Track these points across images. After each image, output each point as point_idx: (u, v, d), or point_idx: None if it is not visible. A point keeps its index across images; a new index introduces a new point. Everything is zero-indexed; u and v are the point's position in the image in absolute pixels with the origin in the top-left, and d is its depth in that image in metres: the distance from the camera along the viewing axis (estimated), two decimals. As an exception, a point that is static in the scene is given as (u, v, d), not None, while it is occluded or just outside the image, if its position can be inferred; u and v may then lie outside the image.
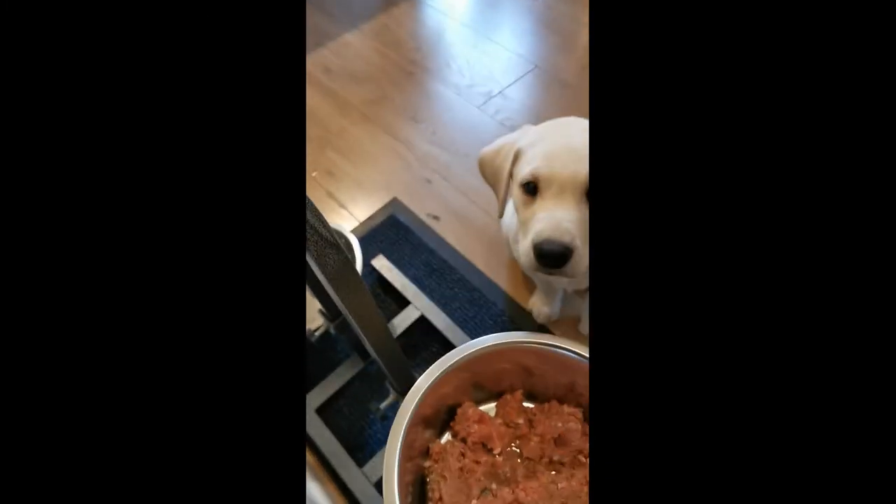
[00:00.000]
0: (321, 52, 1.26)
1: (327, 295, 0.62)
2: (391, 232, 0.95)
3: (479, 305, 0.86)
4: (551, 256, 0.44)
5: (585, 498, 0.42)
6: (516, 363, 0.47)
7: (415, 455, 0.47)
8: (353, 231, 0.93)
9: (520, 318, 0.83)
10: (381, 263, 0.88)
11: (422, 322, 0.83)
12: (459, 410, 0.49)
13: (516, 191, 0.51)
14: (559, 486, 0.43)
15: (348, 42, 1.28)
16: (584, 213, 0.46)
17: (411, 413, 0.45)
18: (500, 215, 0.57)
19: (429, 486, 0.49)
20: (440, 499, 0.45)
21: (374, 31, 1.29)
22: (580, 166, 0.45)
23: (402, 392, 0.60)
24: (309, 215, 0.36)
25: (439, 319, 0.81)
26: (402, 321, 0.82)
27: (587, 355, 0.43)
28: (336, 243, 0.38)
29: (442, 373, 0.46)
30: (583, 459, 0.45)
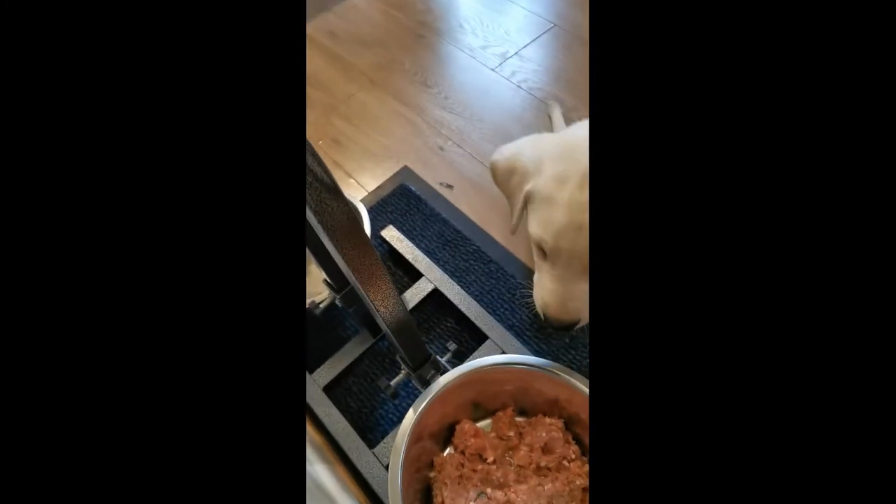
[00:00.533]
0: (325, 15, 1.19)
1: (332, 261, 0.56)
2: (402, 202, 0.89)
3: (497, 278, 0.80)
4: (558, 327, 0.50)
5: (568, 496, 0.50)
6: (510, 382, 0.55)
7: (422, 467, 0.54)
8: (362, 201, 0.87)
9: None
10: (392, 234, 0.82)
11: (435, 295, 0.77)
12: (458, 427, 0.55)
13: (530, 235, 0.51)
14: (545, 487, 0.50)
15: (354, 4, 1.20)
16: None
17: (414, 423, 0.51)
18: (513, 231, 0.52)
19: (433, 493, 0.55)
20: (442, 502, 0.51)
21: (382, -7, 1.22)
22: (585, 234, 0.45)
23: (414, 368, 0.55)
24: (307, 158, 0.30)
25: (454, 292, 0.75)
26: (413, 295, 0.76)
27: (569, 376, 0.51)
28: (337, 189, 0.32)
29: (444, 387, 0.52)
30: (566, 464, 0.53)
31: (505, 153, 0.52)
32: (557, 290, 0.49)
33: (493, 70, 1.05)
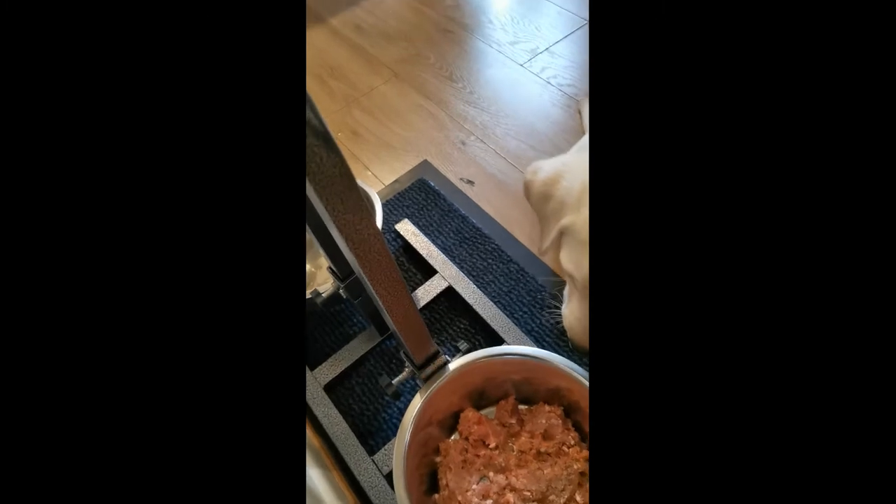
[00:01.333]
0: (353, 9, 1.17)
1: (335, 246, 0.51)
2: (419, 196, 0.84)
3: (517, 279, 0.74)
4: (582, 353, 0.49)
5: (566, 480, 0.52)
6: (513, 373, 0.56)
7: (429, 452, 0.55)
8: (378, 194, 0.83)
9: (556, 292, 0.71)
10: (406, 228, 0.78)
11: (449, 294, 0.72)
12: (462, 415, 0.57)
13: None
14: (545, 471, 0.52)
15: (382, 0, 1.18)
16: None
17: (417, 411, 0.51)
18: (543, 254, 0.46)
19: (439, 476, 0.55)
20: (447, 485, 0.53)
21: (411, -11, 1.19)
22: None
23: (419, 366, 0.50)
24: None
25: (469, 291, 0.70)
26: (426, 292, 0.71)
27: (569, 367, 0.52)
28: (328, 136, 0.28)
29: (449, 375, 0.53)
30: (566, 450, 0.54)
31: (542, 174, 0.46)
32: (584, 320, 0.48)
33: (521, 66, 1.01)
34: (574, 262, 0.46)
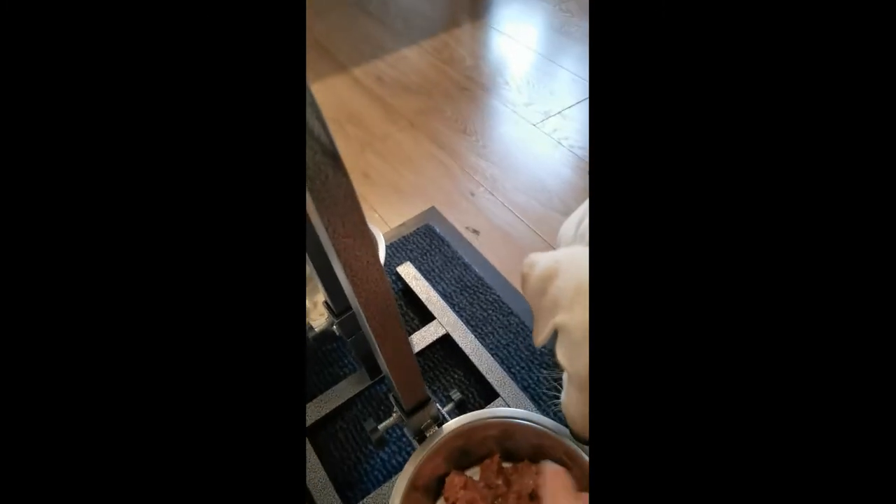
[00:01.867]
0: (376, 63, 1.22)
1: (334, 279, 0.50)
2: (424, 241, 0.84)
3: (516, 332, 0.72)
4: (581, 441, 0.49)
5: None
6: (495, 428, 0.55)
7: None
8: (383, 235, 0.83)
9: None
10: (408, 271, 0.77)
11: (446, 342, 0.70)
12: (447, 479, 0.54)
13: None
14: None
15: (405, 56, 1.23)
16: None
17: (407, 483, 0.49)
18: (537, 345, 0.48)
19: None
20: None
21: (434, 48, 1.25)
22: None
23: (408, 413, 0.47)
24: (307, 112, 0.25)
25: (466, 341, 0.68)
26: (422, 338, 0.69)
27: (549, 427, 0.53)
28: (336, 155, 0.27)
29: (430, 449, 0.51)
30: None
31: (538, 267, 0.47)
32: (581, 411, 0.47)
33: (534, 125, 1.03)
34: (568, 358, 0.46)
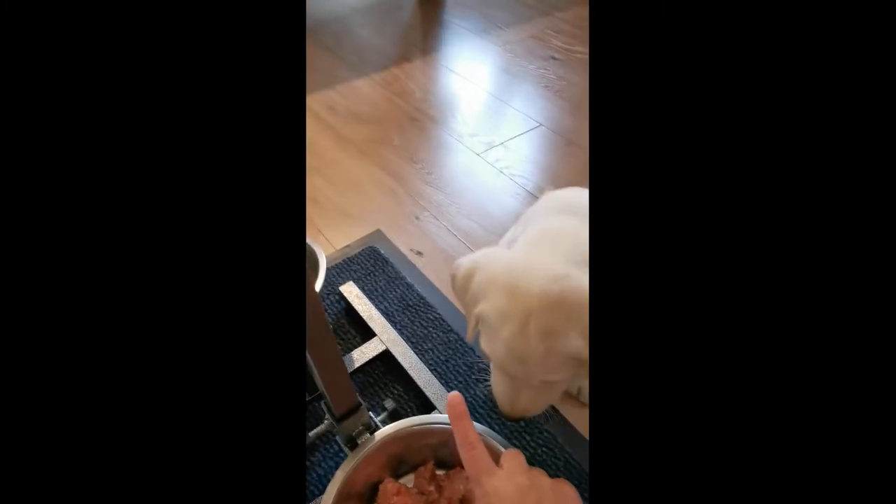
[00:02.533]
0: (328, 92, 1.25)
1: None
2: (368, 262, 0.86)
3: (455, 349, 0.74)
4: (508, 420, 0.55)
5: None
6: (431, 436, 0.56)
7: None
8: (327, 256, 0.84)
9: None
10: (350, 290, 0.78)
11: (385, 358, 0.71)
12: (381, 486, 0.54)
13: None
14: None
15: (357, 87, 1.28)
16: (538, 387, 0.51)
17: (336, 493, 0.49)
18: (470, 340, 0.56)
19: None
20: None
21: (386, 81, 1.30)
22: (527, 367, 0.48)
23: (338, 419, 0.48)
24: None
25: (406, 357, 0.69)
26: (362, 354, 0.70)
27: (486, 435, 0.53)
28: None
29: (362, 455, 0.52)
30: None
31: (461, 269, 0.53)
32: (506, 392, 0.52)
33: (478, 155, 1.08)
34: (488, 342, 0.50)
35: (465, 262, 0.53)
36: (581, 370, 0.48)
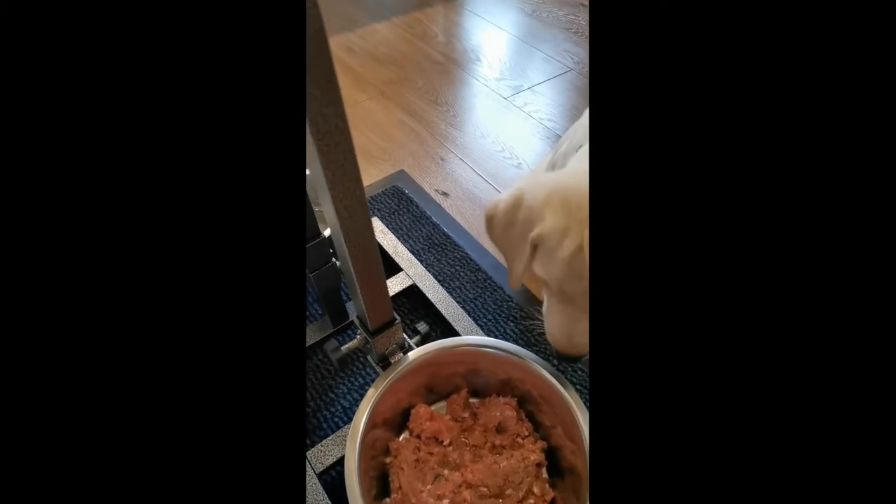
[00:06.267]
0: (346, 35, 1.20)
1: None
2: (392, 201, 0.82)
3: (484, 287, 0.71)
4: (564, 359, 0.50)
5: (523, 472, 0.49)
6: (462, 365, 0.54)
7: (377, 454, 0.51)
8: (349, 193, 0.80)
9: (528, 307, 0.68)
10: (375, 226, 0.75)
11: (411, 293, 0.68)
12: (413, 411, 0.53)
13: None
14: (501, 465, 0.49)
15: (376, 29, 1.22)
16: None
17: (368, 412, 0.47)
18: (515, 286, 0.50)
19: (390, 478, 0.50)
20: (400, 487, 0.49)
21: (407, 24, 1.24)
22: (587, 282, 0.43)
23: (372, 332, 0.45)
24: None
25: (434, 291, 0.66)
26: (388, 288, 0.67)
27: (519, 356, 0.51)
28: (339, 101, 0.25)
29: (395, 375, 0.49)
30: (520, 441, 0.52)
31: (503, 203, 0.48)
32: (563, 325, 0.48)
33: (505, 98, 1.04)
34: (545, 266, 0.46)
35: (503, 196, 0.49)
36: None
